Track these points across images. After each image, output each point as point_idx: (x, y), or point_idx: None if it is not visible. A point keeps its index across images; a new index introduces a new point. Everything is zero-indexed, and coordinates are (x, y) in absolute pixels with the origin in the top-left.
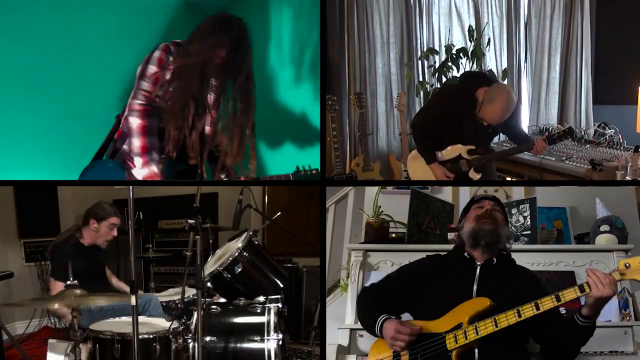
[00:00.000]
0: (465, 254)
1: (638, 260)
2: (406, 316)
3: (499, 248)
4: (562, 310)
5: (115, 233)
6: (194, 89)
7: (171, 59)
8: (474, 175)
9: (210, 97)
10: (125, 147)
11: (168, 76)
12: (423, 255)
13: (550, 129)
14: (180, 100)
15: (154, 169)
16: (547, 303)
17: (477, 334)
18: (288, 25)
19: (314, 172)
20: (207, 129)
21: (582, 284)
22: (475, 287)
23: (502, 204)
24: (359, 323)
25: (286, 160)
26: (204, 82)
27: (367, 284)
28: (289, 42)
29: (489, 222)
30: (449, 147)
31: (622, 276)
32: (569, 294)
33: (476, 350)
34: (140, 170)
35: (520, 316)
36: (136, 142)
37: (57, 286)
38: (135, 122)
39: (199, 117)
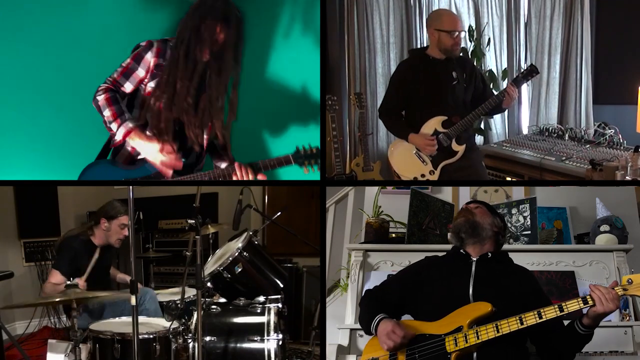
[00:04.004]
0: (461, 251)
1: None
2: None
3: (485, 236)
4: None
5: (126, 232)
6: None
7: (150, 53)
8: (458, 147)
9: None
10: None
11: (143, 71)
12: (423, 255)
13: (551, 128)
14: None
15: (129, 125)
16: (550, 313)
17: (478, 338)
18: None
19: (314, 150)
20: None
21: (586, 297)
22: (471, 282)
23: (484, 202)
24: (359, 324)
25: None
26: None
27: (367, 285)
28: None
29: (463, 215)
30: (423, 127)
31: (625, 292)
32: (572, 305)
33: (475, 354)
34: (119, 131)
35: (522, 324)
36: (106, 113)
37: (57, 278)
38: (100, 98)
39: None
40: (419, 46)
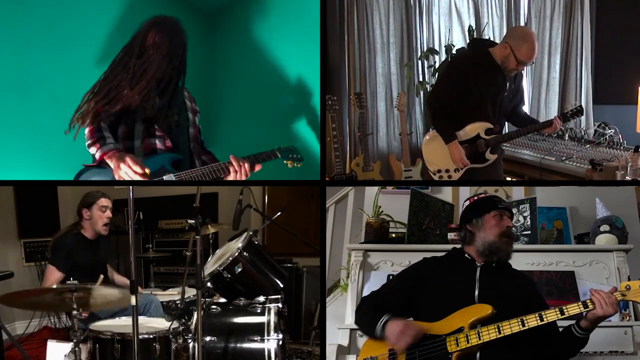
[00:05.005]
0: (467, 255)
1: (638, 284)
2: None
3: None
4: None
5: (109, 214)
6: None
7: None
8: (490, 157)
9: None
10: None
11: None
12: (423, 255)
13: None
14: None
15: (109, 147)
16: (551, 315)
17: (480, 338)
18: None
19: (291, 148)
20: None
21: (586, 301)
22: (477, 288)
23: (511, 211)
24: (358, 327)
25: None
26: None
27: (367, 285)
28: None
29: (511, 243)
30: (468, 126)
31: (623, 297)
32: (572, 309)
33: (478, 354)
34: (98, 152)
35: (523, 325)
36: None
37: (55, 275)
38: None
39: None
40: (419, 46)
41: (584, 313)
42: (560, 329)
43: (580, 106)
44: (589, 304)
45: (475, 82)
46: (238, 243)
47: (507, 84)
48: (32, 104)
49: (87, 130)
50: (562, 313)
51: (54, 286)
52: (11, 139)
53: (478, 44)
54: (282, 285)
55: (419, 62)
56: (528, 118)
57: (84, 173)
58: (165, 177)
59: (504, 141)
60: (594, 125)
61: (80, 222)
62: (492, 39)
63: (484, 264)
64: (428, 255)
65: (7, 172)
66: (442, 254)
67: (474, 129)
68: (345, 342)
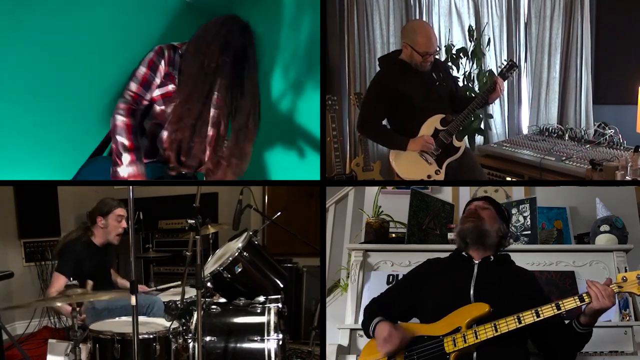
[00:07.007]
0: (463, 253)
1: (635, 275)
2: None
3: (491, 244)
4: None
5: (124, 225)
6: (196, 98)
7: (162, 62)
8: (459, 143)
9: (213, 111)
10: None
11: (159, 80)
12: (423, 255)
13: (551, 128)
14: (182, 105)
15: (140, 169)
16: (548, 311)
17: (477, 338)
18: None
19: None
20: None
21: (582, 294)
22: (472, 285)
23: (494, 201)
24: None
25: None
26: (207, 92)
27: (367, 285)
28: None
29: (472, 220)
30: (421, 131)
31: (620, 289)
32: (569, 303)
33: (475, 354)
34: (127, 167)
35: (520, 322)
36: (123, 140)
37: (61, 281)
38: (120, 119)
39: (202, 124)
40: None
41: (583, 308)
42: None
43: (512, 60)
44: (585, 297)
45: (405, 91)
46: (238, 243)
47: (434, 75)
48: (33, 103)
49: (122, 123)
50: (559, 308)
51: (57, 304)
52: (11, 138)
53: (384, 59)
54: (282, 285)
55: None
56: (468, 96)
57: (90, 164)
58: None
59: (462, 122)
60: (594, 125)
61: (91, 228)
62: (492, 39)
63: (481, 261)
64: (428, 255)
65: (7, 172)
66: (442, 253)
67: (428, 127)
68: (345, 342)
